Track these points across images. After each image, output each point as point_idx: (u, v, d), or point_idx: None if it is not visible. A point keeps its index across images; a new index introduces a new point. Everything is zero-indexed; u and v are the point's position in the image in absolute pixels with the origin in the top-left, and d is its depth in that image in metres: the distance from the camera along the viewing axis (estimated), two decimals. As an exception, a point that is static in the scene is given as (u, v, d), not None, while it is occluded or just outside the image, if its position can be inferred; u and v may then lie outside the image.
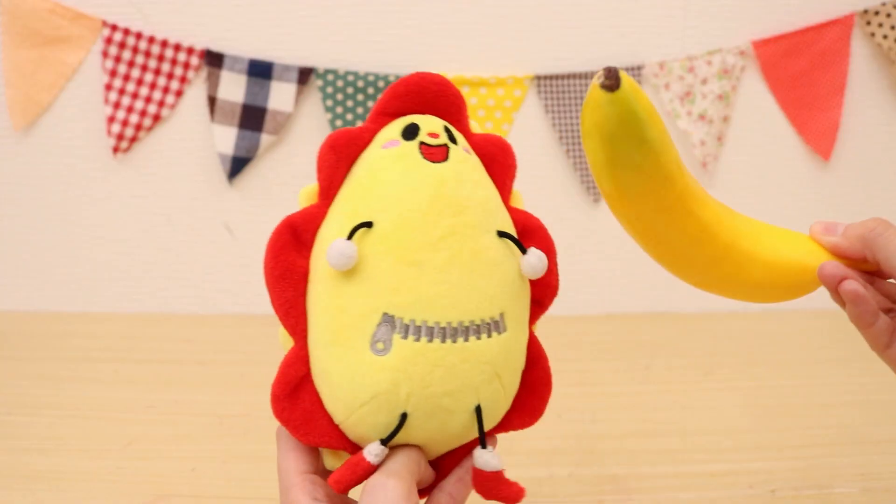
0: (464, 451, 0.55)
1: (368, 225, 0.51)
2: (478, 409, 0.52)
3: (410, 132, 0.55)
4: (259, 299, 0.79)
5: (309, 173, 1.37)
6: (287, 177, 1.40)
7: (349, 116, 1.34)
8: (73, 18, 1.33)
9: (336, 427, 0.52)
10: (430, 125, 0.55)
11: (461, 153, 0.55)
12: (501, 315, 0.53)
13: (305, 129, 1.39)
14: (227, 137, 1.36)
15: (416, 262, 0.50)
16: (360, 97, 1.34)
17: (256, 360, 1.12)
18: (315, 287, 0.52)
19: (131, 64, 1.34)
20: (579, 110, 1.37)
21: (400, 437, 0.51)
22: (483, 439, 0.52)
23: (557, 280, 0.60)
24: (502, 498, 0.52)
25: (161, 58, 1.35)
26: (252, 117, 1.35)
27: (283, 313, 0.53)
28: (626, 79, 0.51)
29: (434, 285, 0.50)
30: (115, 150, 1.36)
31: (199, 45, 1.35)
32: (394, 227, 0.51)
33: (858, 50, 1.41)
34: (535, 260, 0.54)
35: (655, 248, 0.64)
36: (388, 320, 0.49)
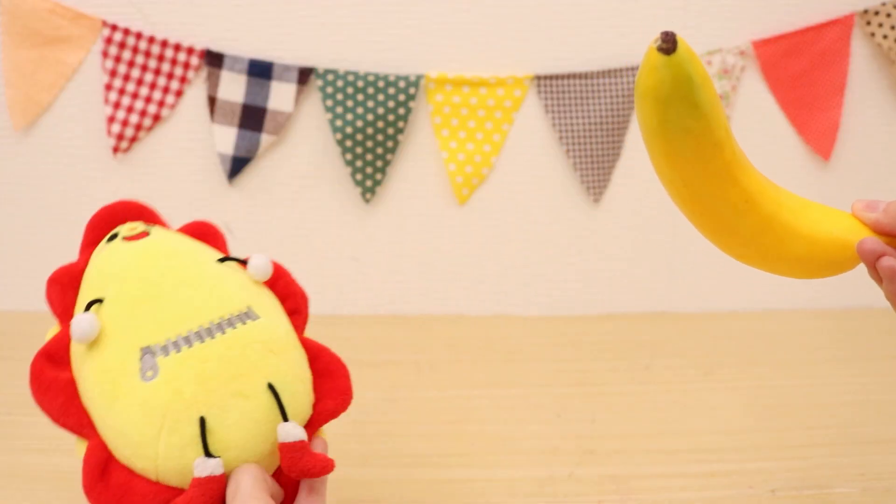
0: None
1: (99, 301, 0.57)
2: (270, 387, 0.57)
3: (111, 238, 0.63)
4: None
5: (309, 173, 1.38)
6: (287, 177, 1.40)
7: (349, 116, 1.34)
8: (73, 18, 1.33)
9: (153, 484, 0.54)
10: (129, 225, 0.65)
11: (162, 230, 0.64)
12: (249, 308, 0.60)
13: (305, 129, 1.38)
14: (227, 137, 1.36)
15: (148, 298, 0.57)
16: (360, 97, 1.34)
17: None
18: (83, 379, 0.57)
19: (131, 64, 1.34)
20: (579, 110, 1.38)
21: (217, 445, 0.53)
22: (284, 413, 0.56)
23: (349, 385, 0.63)
24: (309, 469, 0.55)
25: (161, 58, 1.34)
26: (252, 117, 1.35)
27: (64, 419, 0.57)
28: (682, 43, 0.53)
29: (172, 306, 0.57)
30: (115, 150, 1.36)
31: (199, 45, 1.35)
32: (119, 290, 0.58)
33: (858, 50, 1.41)
34: (258, 262, 0.64)
35: (700, 217, 0.64)
36: (147, 351, 0.55)
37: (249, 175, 1.39)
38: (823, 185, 1.45)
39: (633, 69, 1.38)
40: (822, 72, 1.40)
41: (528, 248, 1.42)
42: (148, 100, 1.35)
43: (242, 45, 1.35)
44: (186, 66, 1.35)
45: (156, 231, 0.64)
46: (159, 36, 1.34)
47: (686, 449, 0.87)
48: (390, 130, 1.36)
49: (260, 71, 1.34)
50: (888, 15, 1.37)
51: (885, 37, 1.37)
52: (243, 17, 1.35)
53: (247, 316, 0.59)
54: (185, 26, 1.35)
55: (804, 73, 1.40)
